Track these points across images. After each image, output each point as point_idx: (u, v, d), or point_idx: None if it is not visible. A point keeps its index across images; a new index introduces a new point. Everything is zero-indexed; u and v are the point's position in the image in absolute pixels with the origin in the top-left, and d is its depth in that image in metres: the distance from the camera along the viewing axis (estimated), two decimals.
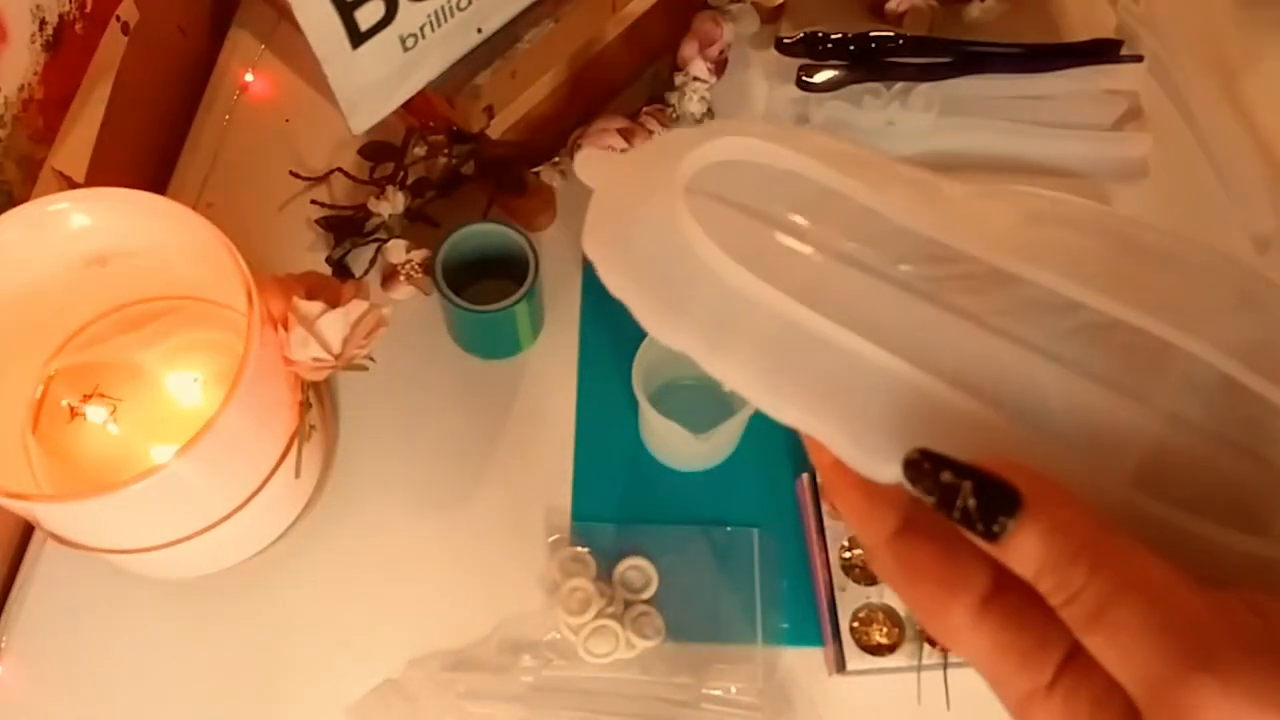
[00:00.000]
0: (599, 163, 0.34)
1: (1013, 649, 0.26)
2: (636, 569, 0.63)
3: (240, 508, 0.55)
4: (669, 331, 0.30)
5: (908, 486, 0.26)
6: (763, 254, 0.30)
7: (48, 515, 0.53)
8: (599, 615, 0.61)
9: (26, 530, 0.65)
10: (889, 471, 0.27)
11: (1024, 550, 0.24)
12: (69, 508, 0.49)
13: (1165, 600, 0.23)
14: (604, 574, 0.63)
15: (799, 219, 0.32)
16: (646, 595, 0.62)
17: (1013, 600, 0.26)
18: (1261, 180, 0.75)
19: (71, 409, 0.59)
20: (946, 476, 0.25)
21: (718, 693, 0.60)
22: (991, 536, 0.25)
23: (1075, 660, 0.25)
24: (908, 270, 0.30)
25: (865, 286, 0.31)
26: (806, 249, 0.31)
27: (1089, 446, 0.28)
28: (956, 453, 0.26)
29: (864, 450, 0.28)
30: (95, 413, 0.59)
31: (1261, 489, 0.28)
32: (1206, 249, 0.29)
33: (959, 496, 0.25)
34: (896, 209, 0.30)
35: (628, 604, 0.62)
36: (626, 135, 0.72)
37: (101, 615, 0.62)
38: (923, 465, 0.26)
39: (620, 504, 0.65)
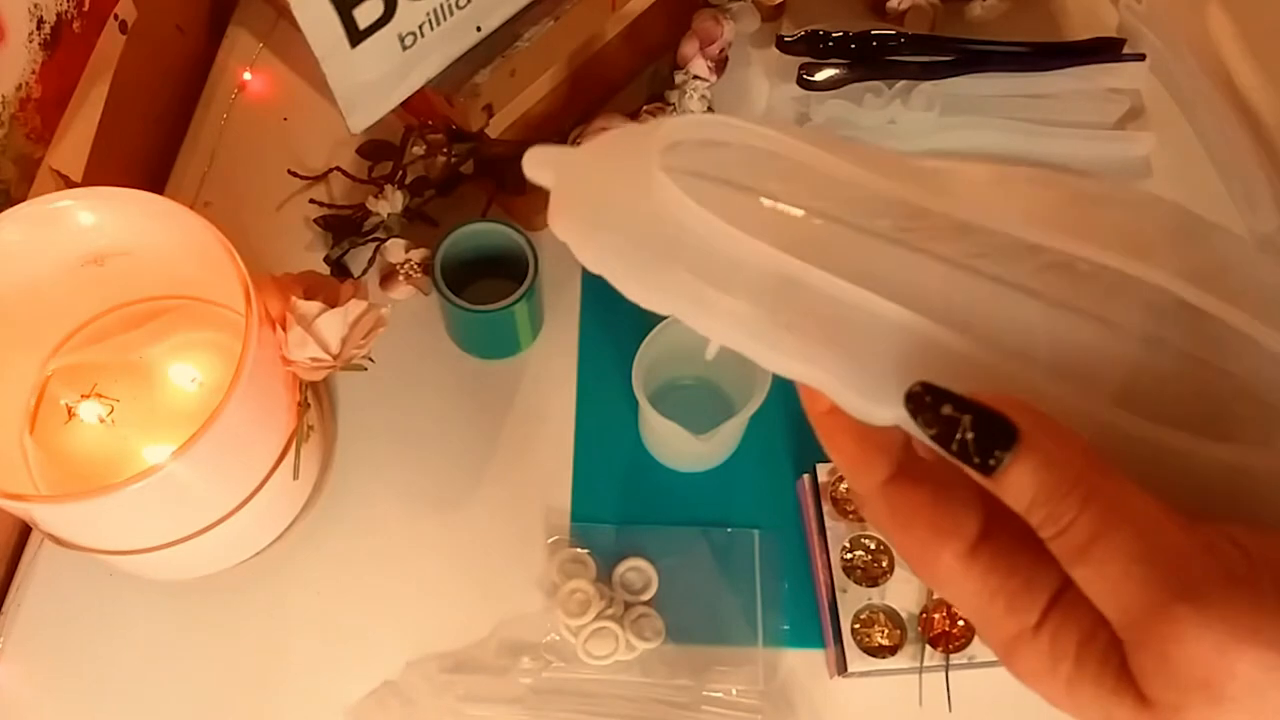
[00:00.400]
0: (548, 156, 0.34)
1: (1000, 592, 0.27)
2: (636, 570, 0.63)
3: (238, 509, 0.55)
4: (655, 296, 0.29)
5: (907, 422, 0.27)
6: (743, 214, 0.30)
7: (45, 516, 0.53)
8: (599, 617, 0.61)
9: (24, 531, 0.64)
10: (884, 414, 0.28)
11: (1018, 483, 0.25)
12: (66, 508, 0.49)
13: (1151, 534, 0.24)
14: (604, 575, 0.63)
15: (777, 186, 0.31)
16: (646, 597, 0.62)
17: (1001, 545, 0.27)
18: (1264, 179, 0.75)
19: (69, 409, 0.59)
20: (946, 409, 0.26)
21: (718, 695, 0.60)
22: (987, 470, 0.25)
23: (1061, 602, 0.26)
24: (887, 224, 0.30)
25: (849, 239, 0.30)
26: (788, 208, 0.31)
27: (1074, 374, 0.28)
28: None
29: (859, 394, 0.28)
30: (89, 411, 0.58)
31: (1228, 400, 0.28)
32: (1140, 191, 0.30)
33: (958, 429, 0.26)
34: (871, 172, 0.30)
35: (627, 605, 0.62)
36: None
37: (99, 616, 0.62)
38: (924, 398, 0.26)
39: (620, 505, 0.65)
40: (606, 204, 0.31)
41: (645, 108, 0.75)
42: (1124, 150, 0.77)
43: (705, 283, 0.29)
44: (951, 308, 0.29)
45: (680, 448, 0.64)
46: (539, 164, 0.34)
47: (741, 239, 0.29)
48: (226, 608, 0.62)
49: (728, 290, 0.29)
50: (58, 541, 0.54)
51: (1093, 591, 0.24)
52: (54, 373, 0.60)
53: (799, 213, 0.31)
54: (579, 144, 0.63)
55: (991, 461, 0.25)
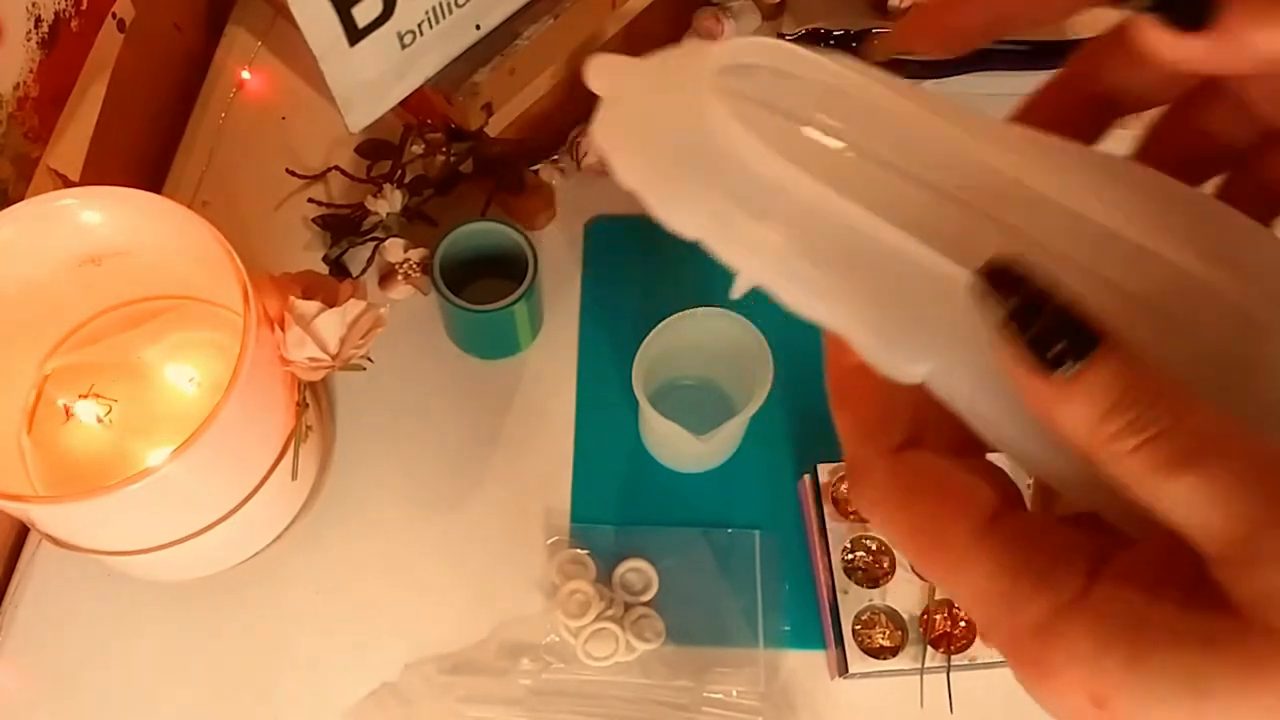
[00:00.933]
0: (613, 66, 0.32)
1: (1026, 571, 0.22)
2: (636, 571, 0.63)
3: (236, 509, 0.55)
4: (683, 215, 0.27)
5: (975, 301, 0.23)
6: (790, 145, 0.29)
7: (43, 517, 0.52)
8: (598, 618, 0.60)
9: (22, 532, 0.64)
10: (916, 370, 0.25)
11: (1101, 381, 0.21)
12: (64, 509, 0.49)
13: (1259, 448, 0.21)
14: (603, 576, 0.62)
15: (835, 124, 0.30)
16: (647, 598, 0.62)
17: (1020, 521, 0.23)
18: None
19: (67, 409, 0.59)
20: (1031, 288, 0.22)
21: (718, 696, 0.59)
22: (1064, 361, 0.22)
23: (1111, 564, 0.22)
24: (949, 179, 0.29)
25: (900, 185, 0.29)
26: (838, 144, 0.30)
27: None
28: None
29: (889, 344, 0.26)
30: (87, 412, 0.58)
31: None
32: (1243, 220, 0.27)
33: (1044, 309, 0.22)
34: (944, 121, 0.28)
35: (628, 606, 0.62)
36: None
37: (97, 617, 0.62)
38: (1008, 273, 0.23)
39: (620, 506, 0.65)
40: (652, 116, 0.29)
41: None
42: (1124, 149, 0.77)
43: (739, 208, 0.27)
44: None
45: (680, 448, 0.64)
46: (600, 71, 0.31)
47: (783, 166, 0.27)
48: (225, 609, 0.62)
49: (761, 218, 0.27)
50: (55, 542, 0.54)
51: (1195, 504, 0.20)
52: (52, 373, 0.59)
53: (850, 154, 0.29)
54: (580, 143, 0.62)
55: (1071, 358, 0.22)
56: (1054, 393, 0.22)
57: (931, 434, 0.26)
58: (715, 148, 0.27)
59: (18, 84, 0.60)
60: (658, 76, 0.30)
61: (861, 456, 0.26)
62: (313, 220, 0.72)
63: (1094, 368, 0.22)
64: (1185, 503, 0.21)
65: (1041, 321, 0.22)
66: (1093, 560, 0.22)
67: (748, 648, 0.61)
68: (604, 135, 0.29)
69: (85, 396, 0.59)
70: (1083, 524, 0.23)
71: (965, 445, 0.25)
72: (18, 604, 0.62)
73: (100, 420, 0.59)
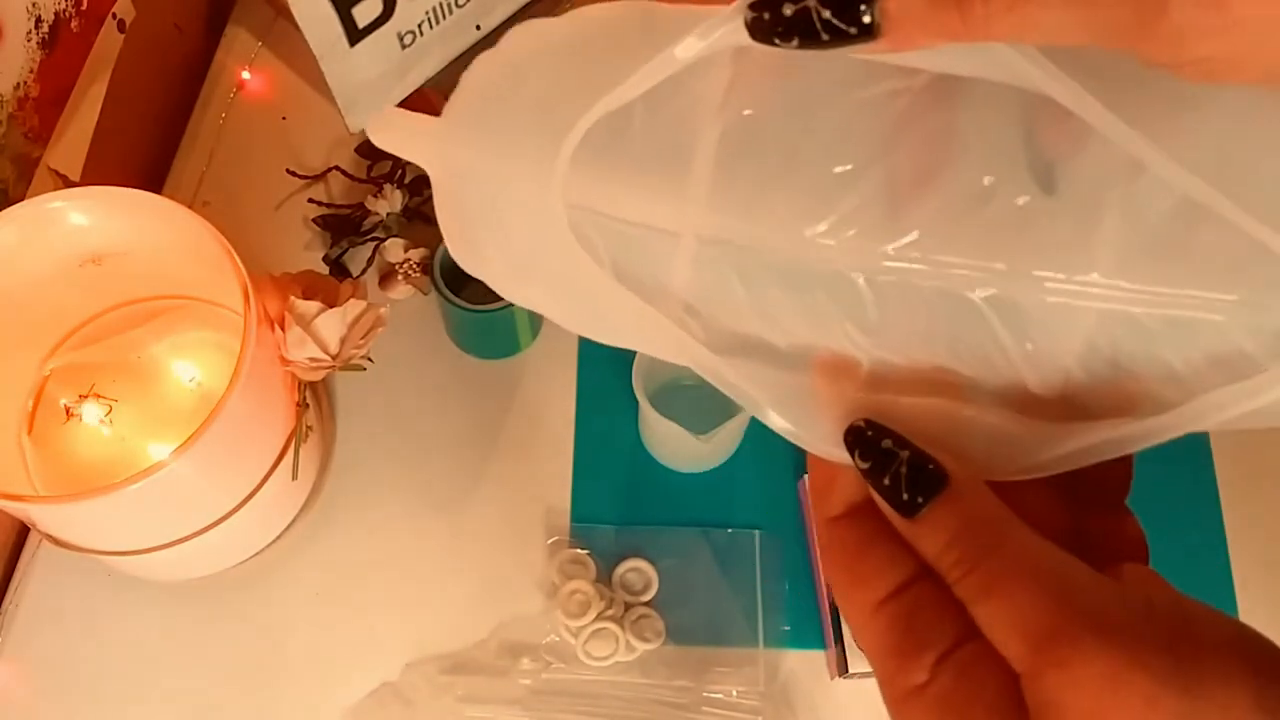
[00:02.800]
0: (407, 126, 0.30)
1: (894, 651, 0.27)
2: (636, 571, 0.63)
3: (236, 509, 0.55)
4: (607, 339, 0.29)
5: (846, 454, 0.28)
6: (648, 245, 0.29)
7: (43, 517, 0.52)
8: (599, 618, 0.60)
9: (22, 532, 0.64)
10: (838, 454, 0.28)
11: (937, 526, 0.26)
12: (64, 509, 0.49)
13: (1059, 572, 0.25)
14: (604, 576, 0.62)
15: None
16: (647, 598, 0.62)
17: (904, 605, 0.27)
18: None
19: (67, 409, 0.59)
20: (887, 444, 0.27)
21: (718, 696, 0.59)
22: (913, 508, 0.26)
23: (949, 661, 0.26)
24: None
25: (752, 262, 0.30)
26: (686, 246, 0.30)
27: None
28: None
29: (814, 436, 0.29)
30: (88, 412, 0.58)
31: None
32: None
33: (893, 464, 0.27)
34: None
35: (628, 606, 0.62)
36: None
37: (97, 617, 0.62)
38: (865, 433, 0.27)
39: (620, 505, 0.65)
40: (502, 215, 0.29)
41: None
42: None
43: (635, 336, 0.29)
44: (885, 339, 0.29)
45: (680, 448, 0.64)
46: (390, 129, 0.30)
47: (644, 311, 0.28)
48: (225, 609, 0.62)
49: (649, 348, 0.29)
50: (56, 542, 0.54)
51: (996, 625, 0.25)
52: (52, 373, 0.59)
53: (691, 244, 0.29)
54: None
55: (920, 499, 0.26)
56: (909, 527, 0.27)
57: (868, 510, 0.29)
58: (586, 280, 0.28)
59: (18, 84, 0.60)
60: (492, 158, 0.29)
61: (816, 518, 0.31)
62: (313, 220, 0.72)
63: (938, 508, 0.26)
64: (990, 624, 0.25)
65: (894, 469, 0.27)
66: (946, 649, 0.26)
67: (748, 648, 0.61)
68: (455, 227, 0.29)
69: (86, 397, 0.59)
70: (949, 611, 0.26)
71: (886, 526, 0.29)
72: (18, 604, 0.62)
73: (101, 420, 0.59)
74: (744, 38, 0.24)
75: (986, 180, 0.28)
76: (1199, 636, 0.24)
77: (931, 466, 0.26)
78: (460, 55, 0.63)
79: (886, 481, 0.27)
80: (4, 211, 0.51)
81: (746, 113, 0.29)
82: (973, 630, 0.25)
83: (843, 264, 0.29)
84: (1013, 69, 0.25)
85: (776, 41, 0.24)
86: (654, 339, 0.29)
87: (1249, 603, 0.63)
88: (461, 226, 0.29)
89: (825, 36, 0.23)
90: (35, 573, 0.63)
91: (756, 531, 0.64)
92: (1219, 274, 0.27)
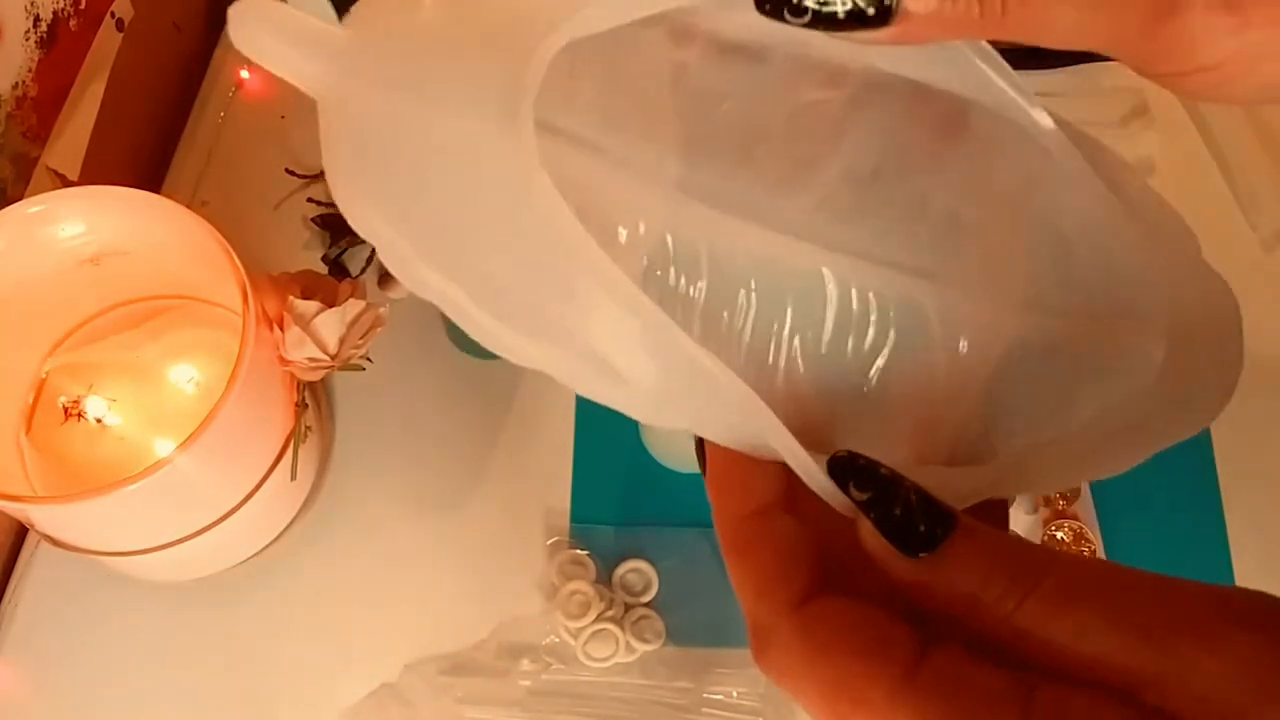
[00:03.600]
0: (283, 21, 0.22)
1: (957, 714, 0.21)
2: (637, 572, 0.63)
3: (235, 510, 0.55)
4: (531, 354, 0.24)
5: (832, 489, 0.23)
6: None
7: (41, 517, 0.52)
8: (598, 619, 0.60)
9: (20, 532, 0.64)
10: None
11: (968, 557, 0.22)
12: (63, 509, 0.49)
13: (1128, 574, 0.21)
14: (604, 577, 0.62)
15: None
16: (647, 598, 0.62)
17: (942, 664, 0.21)
18: (1268, 178, 0.75)
19: (65, 409, 0.59)
20: (885, 471, 0.23)
21: (719, 697, 0.59)
22: (931, 542, 0.22)
23: (1038, 698, 0.21)
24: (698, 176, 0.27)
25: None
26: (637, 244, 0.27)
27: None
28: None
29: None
30: (88, 412, 0.58)
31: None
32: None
33: (903, 491, 0.22)
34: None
35: (628, 607, 0.61)
36: None
37: (95, 618, 0.62)
38: (857, 461, 0.23)
39: (620, 506, 0.65)
40: (429, 193, 0.23)
41: None
42: (1127, 149, 0.77)
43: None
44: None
45: (680, 448, 0.64)
46: (267, 35, 0.22)
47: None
48: (223, 609, 0.62)
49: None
50: (54, 543, 0.54)
51: (1091, 635, 0.20)
52: (50, 373, 0.59)
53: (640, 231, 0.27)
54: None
55: (940, 531, 0.22)
56: (926, 567, 0.22)
57: (842, 572, 0.23)
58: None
59: (16, 83, 0.60)
60: (414, 96, 0.21)
61: (761, 616, 0.24)
62: (312, 220, 0.72)
63: (957, 543, 0.22)
64: (1081, 637, 0.20)
65: (905, 497, 0.22)
66: (1022, 707, 0.20)
67: (748, 648, 0.61)
68: (345, 181, 0.23)
69: (84, 397, 0.59)
70: (1005, 662, 0.21)
71: (879, 581, 0.23)
72: (17, 604, 0.62)
73: (99, 420, 0.59)
74: None
75: (904, 189, 0.27)
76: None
77: (936, 498, 0.23)
78: None
79: (897, 511, 0.22)
80: (2, 211, 0.51)
81: (701, 91, 0.27)
82: (1041, 677, 0.21)
83: (797, 255, 0.28)
84: (971, 79, 0.24)
85: (787, 16, 0.23)
86: (605, 326, 0.22)
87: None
88: (359, 181, 0.23)
89: (841, 15, 0.22)
90: (34, 573, 0.62)
91: None
92: (1105, 297, 0.27)
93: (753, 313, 0.27)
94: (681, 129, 0.28)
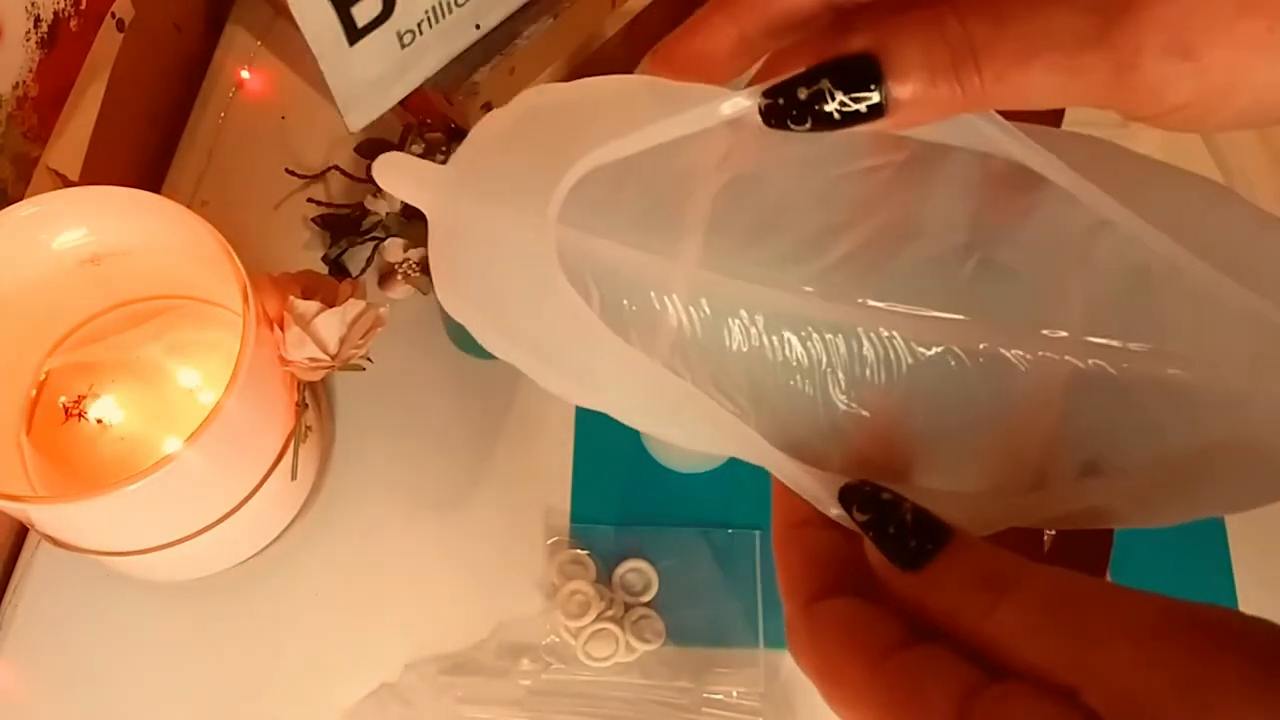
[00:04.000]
0: (412, 171, 0.30)
1: (903, 711, 0.24)
2: (636, 571, 0.63)
3: (236, 510, 0.55)
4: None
5: (838, 511, 0.26)
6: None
7: (42, 517, 0.52)
8: (598, 618, 0.60)
9: (21, 532, 0.64)
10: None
11: (952, 570, 0.24)
12: (63, 509, 0.49)
13: (1108, 587, 0.23)
14: (603, 577, 0.62)
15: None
16: (647, 598, 0.62)
17: (912, 656, 0.25)
18: (1268, 178, 0.75)
19: (65, 409, 0.59)
20: (887, 495, 0.26)
21: (719, 697, 0.59)
22: (922, 555, 0.25)
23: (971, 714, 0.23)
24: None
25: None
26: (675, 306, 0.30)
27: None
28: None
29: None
30: (89, 412, 0.58)
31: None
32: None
33: (897, 513, 0.25)
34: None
35: (628, 607, 0.62)
36: None
37: (96, 618, 0.62)
38: (863, 488, 0.26)
39: (620, 506, 0.65)
40: (494, 269, 0.29)
41: None
42: (1127, 149, 0.77)
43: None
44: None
45: (680, 448, 0.64)
46: (394, 172, 0.31)
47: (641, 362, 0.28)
48: (224, 609, 0.62)
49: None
50: (55, 543, 0.54)
51: (1045, 640, 0.23)
52: (50, 373, 0.59)
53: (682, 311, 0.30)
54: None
55: (929, 546, 0.25)
56: (914, 583, 0.25)
57: (870, 583, 0.27)
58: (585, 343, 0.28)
59: (17, 83, 0.60)
60: (487, 207, 0.28)
61: (787, 609, 0.28)
62: (312, 220, 0.72)
63: (946, 557, 0.24)
64: (1044, 644, 0.22)
65: (899, 517, 0.25)
66: (962, 702, 0.23)
67: (748, 648, 0.61)
68: (448, 279, 0.29)
69: (84, 397, 0.59)
70: (959, 659, 0.24)
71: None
72: (17, 604, 0.62)
73: (99, 420, 0.59)
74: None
75: (948, 243, 0.29)
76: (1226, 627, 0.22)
77: (934, 517, 0.25)
78: (459, 54, 0.63)
79: (891, 530, 0.25)
80: (3, 211, 0.51)
81: (739, 175, 0.30)
82: (992, 677, 0.23)
83: (825, 312, 0.30)
84: (990, 140, 0.27)
85: (790, 125, 0.25)
86: (641, 391, 0.28)
87: (1250, 606, 0.63)
88: (454, 279, 0.29)
89: (838, 118, 0.25)
90: (34, 573, 0.62)
91: (756, 531, 0.64)
92: (1185, 334, 0.28)
93: (799, 365, 0.30)
94: (713, 210, 0.30)
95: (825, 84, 0.25)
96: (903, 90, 0.24)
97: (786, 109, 0.25)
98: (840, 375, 0.30)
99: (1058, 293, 0.29)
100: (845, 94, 0.25)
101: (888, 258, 0.29)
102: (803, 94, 0.25)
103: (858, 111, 0.25)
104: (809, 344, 0.30)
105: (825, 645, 0.26)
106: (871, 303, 0.30)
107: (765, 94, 0.26)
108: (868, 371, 0.30)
